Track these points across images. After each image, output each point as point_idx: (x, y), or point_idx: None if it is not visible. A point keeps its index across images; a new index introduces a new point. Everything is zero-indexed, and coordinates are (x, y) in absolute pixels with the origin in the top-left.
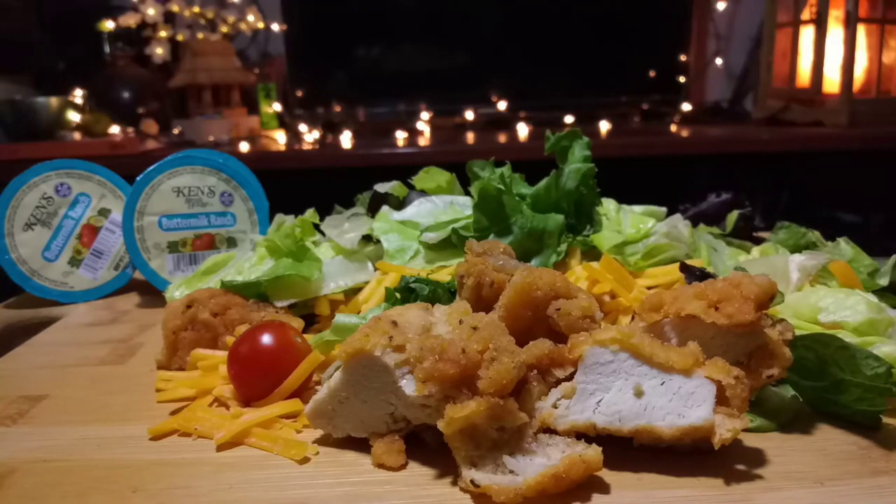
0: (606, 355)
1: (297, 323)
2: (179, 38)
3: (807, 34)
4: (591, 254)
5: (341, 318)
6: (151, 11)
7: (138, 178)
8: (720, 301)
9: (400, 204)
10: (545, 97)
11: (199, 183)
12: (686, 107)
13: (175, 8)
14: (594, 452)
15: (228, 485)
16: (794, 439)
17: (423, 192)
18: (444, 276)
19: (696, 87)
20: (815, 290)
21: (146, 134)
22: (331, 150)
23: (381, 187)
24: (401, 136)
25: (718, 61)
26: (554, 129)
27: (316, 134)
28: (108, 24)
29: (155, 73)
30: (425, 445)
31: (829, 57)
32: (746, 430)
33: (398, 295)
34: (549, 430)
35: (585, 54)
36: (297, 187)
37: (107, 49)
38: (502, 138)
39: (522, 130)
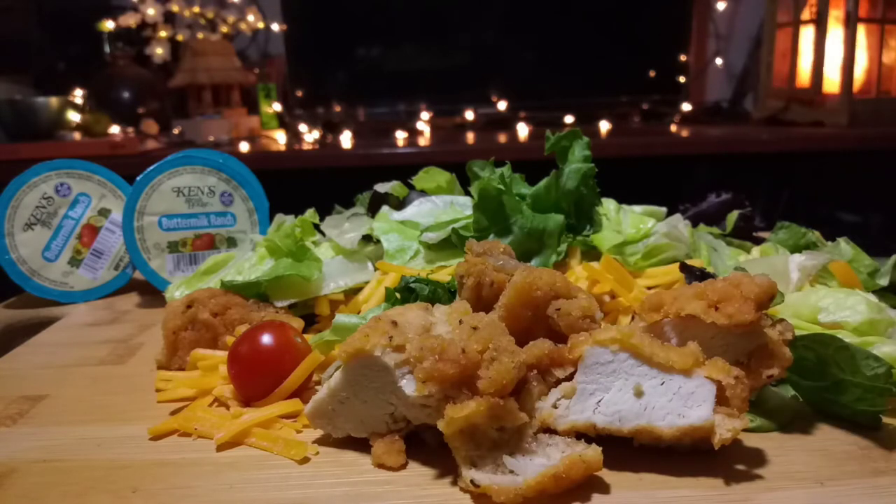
0: (606, 355)
1: (297, 323)
2: (179, 38)
3: (807, 34)
4: (591, 254)
5: (341, 318)
6: (151, 11)
7: (138, 178)
8: (720, 301)
9: (400, 204)
10: (545, 97)
11: (199, 183)
12: (686, 107)
13: (175, 8)
14: (594, 452)
15: (228, 485)
16: (794, 439)
17: (423, 192)
18: (444, 276)
19: (696, 87)
20: (815, 290)
21: (146, 134)
22: (331, 150)
23: (381, 187)
24: (401, 136)
25: (718, 61)
26: (554, 129)
27: (316, 134)
28: (108, 24)
29: (155, 73)
30: (425, 445)
31: (829, 57)
32: (746, 430)
33: (398, 295)
34: (549, 430)
35: (585, 54)
36: (297, 187)
37: (107, 49)
38: (502, 138)
39: (522, 130)
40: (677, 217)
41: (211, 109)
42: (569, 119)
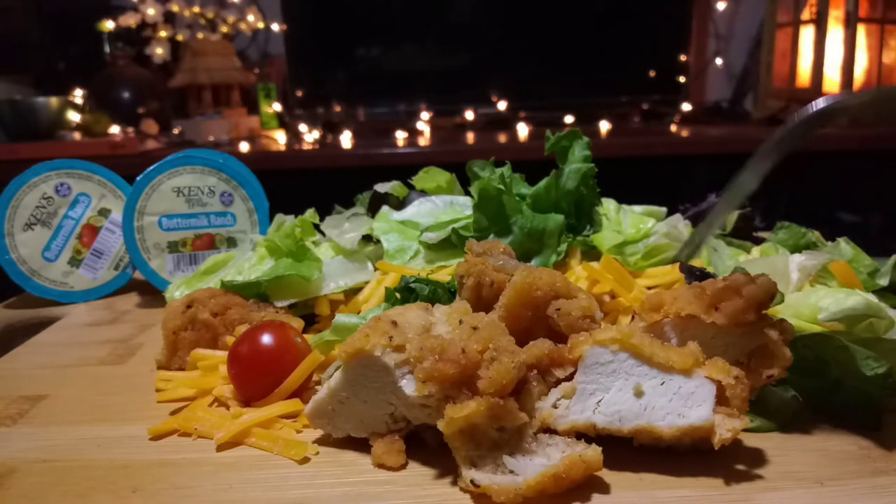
0: (606, 355)
1: (297, 323)
2: (179, 38)
3: (807, 34)
4: (591, 254)
5: (341, 318)
6: (151, 11)
7: (138, 178)
8: (720, 301)
9: (400, 204)
10: (545, 97)
11: (199, 183)
12: (686, 107)
13: (175, 8)
14: (594, 452)
15: (228, 485)
16: (794, 439)
17: (423, 192)
18: (444, 276)
19: (696, 87)
20: (815, 290)
21: (146, 134)
22: (331, 150)
23: (381, 187)
24: (401, 136)
25: (718, 61)
26: (554, 129)
27: (316, 134)
28: (108, 24)
29: (155, 73)
30: (425, 445)
31: (829, 57)
32: (746, 430)
33: (398, 295)
34: (549, 430)
35: (585, 54)
36: (297, 187)
37: (107, 49)
38: (502, 138)
39: (522, 130)
40: (677, 217)
41: (211, 109)
42: (569, 119)
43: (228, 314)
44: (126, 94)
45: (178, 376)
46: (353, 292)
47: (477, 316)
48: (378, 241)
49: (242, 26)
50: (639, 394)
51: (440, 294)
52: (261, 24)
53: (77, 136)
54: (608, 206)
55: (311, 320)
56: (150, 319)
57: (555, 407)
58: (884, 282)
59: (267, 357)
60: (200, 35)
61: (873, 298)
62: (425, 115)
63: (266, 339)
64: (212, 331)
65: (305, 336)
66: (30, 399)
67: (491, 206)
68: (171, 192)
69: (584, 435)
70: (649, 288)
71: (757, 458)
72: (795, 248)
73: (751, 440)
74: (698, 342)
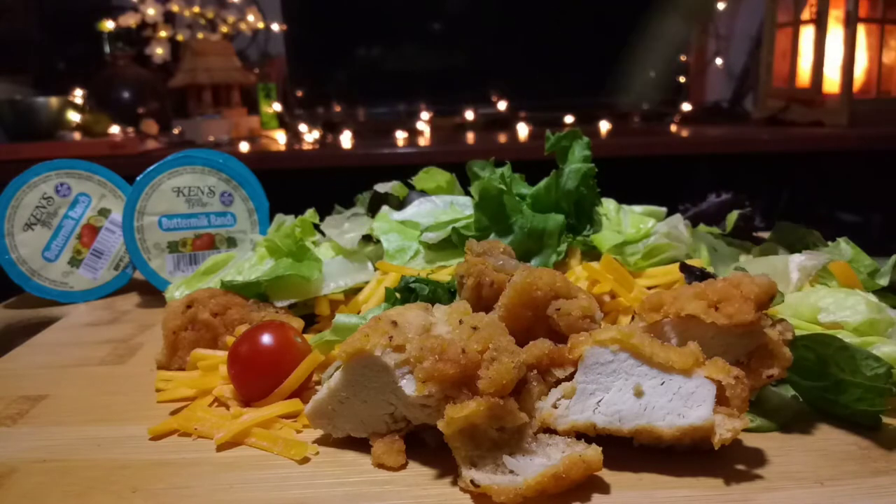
0: (606, 355)
1: (297, 323)
2: (179, 38)
3: (807, 34)
4: (591, 254)
5: (341, 318)
6: (151, 11)
7: (138, 178)
8: (720, 301)
9: (400, 204)
10: (545, 97)
11: (199, 183)
12: (686, 107)
13: (175, 8)
14: (594, 452)
15: (228, 485)
16: (794, 439)
17: (423, 192)
18: (444, 276)
19: (696, 87)
20: (815, 290)
21: (146, 134)
22: (331, 150)
23: (381, 187)
24: (401, 136)
25: (718, 61)
26: (554, 129)
27: (316, 134)
28: (108, 24)
29: (155, 73)
30: (425, 445)
31: (829, 57)
32: (746, 430)
33: (398, 295)
34: (549, 430)
35: (585, 54)
36: (297, 187)
37: (107, 49)
38: (502, 138)
39: (522, 130)
40: (677, 217)
41: (211, 109)
42: (569, 119)
43: (228, 314)
44: (126, 94)
45: (178, 376)
46: (353, 292)
47: (477, 316)
48: (378, 241)
49: (242, 26)
50: (639, 394)
51: (440, 294)
52: (261, 24)
53: (77, 136)
54: (608, 206)
55: (311, 320)
56: (150, 319)
57: (555, 407)
58: (884, 282)
59: (267, 357)
60: (200, 35)
61: (873, 298)
62: (425, 115)
63: (266, 339)
64: (212, 331)
65: (305, 336)
66: (30, 399)
67: (491, 206)
68: (171, 192)
69: (584, 435)
70: (649, 288)
71: (757, 458)
72: (795, 248)
73: (751, 440)
74: (698, 342)
